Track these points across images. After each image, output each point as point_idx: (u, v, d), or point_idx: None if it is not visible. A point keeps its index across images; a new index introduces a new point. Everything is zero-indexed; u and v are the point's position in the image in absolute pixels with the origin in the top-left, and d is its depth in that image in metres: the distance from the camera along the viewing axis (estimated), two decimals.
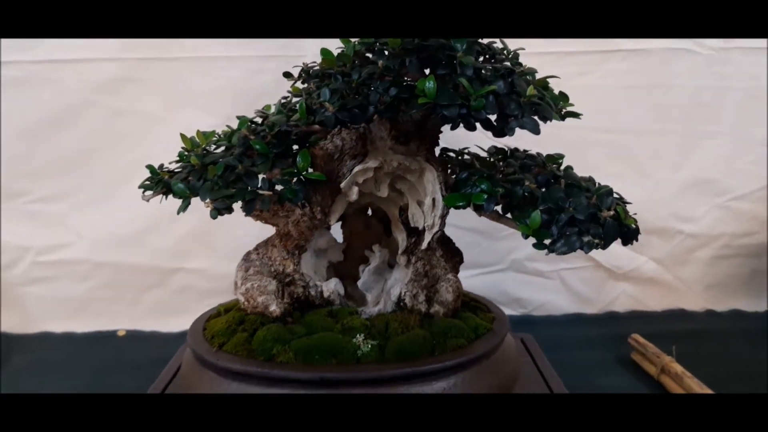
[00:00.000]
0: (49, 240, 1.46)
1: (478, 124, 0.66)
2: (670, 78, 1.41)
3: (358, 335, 0.74)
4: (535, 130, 0.64)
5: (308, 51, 1.24)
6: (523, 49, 0.75)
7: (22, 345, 1.42)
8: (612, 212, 0.67)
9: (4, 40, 1.36)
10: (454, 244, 0.86)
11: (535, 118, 0.65)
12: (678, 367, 1.13)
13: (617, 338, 1.35)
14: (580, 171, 1.38)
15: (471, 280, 1.48)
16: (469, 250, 1.46)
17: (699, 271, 1.54)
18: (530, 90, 0.63)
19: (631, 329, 1.34)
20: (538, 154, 0.81)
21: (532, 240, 1.40)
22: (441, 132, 0.79)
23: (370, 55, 0.70)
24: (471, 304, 0.88)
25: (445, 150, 0.85)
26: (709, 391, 1.05)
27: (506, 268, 1.52)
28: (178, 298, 1.46)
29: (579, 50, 1.39)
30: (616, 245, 1.49)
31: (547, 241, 0.67)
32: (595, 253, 1.48)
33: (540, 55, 1.38)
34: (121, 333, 1.49)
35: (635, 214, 0.80)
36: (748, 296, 1.55)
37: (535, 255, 1.50)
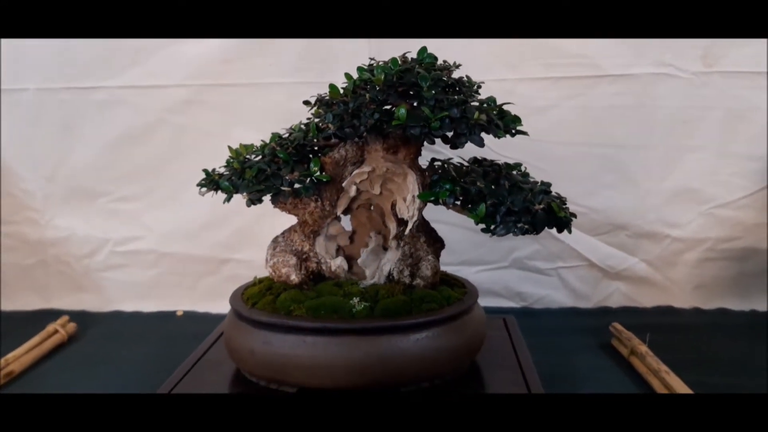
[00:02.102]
0: (125, 233, 1.68)
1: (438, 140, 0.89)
2: (654, 99, 1.55)
3: (354, 298, 0.94)
4: (480, 144, 0.86)
5: (339, 81, 1.50)
6: (483, 82, 0.97)
7: (98, 321, 1.64)
8: (543, 206, 0.87)
9: (95, 69, 1.60)
10: (436, 233, 1.06)
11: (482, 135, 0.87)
12: (643, 348, 1.30)
13: (604, 328, 1.47)
14: (575, 180, 1.57)
15: (477, 275, 1.67)
16: (475, 248, 1.68)
17: (687, 272, 1.65)
18: (477, 115, 0.85)
19: (621, 322, 1.46)
20: (504, 163, 1.02)
21: (533, 241, 1.62)
22: (423, 146, 1.01)
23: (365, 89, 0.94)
24: (450, 282, 1.08)
25: (434, 159, 1.07)
26: (666, 369, 1.22)
27: (508, 265, 1.67)
28: (228, 284, 1.52)
29: (571, 75, 1.55)
30: (609, 247, 1.68)
31: (492, 227, 0.88)
32: (590, 254, 1.67)
33: (539, 80, 1.61)
34: (179, 313, 1.70)
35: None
36: (736, 296, 1.66)
37: (534, 254, 1.67)
